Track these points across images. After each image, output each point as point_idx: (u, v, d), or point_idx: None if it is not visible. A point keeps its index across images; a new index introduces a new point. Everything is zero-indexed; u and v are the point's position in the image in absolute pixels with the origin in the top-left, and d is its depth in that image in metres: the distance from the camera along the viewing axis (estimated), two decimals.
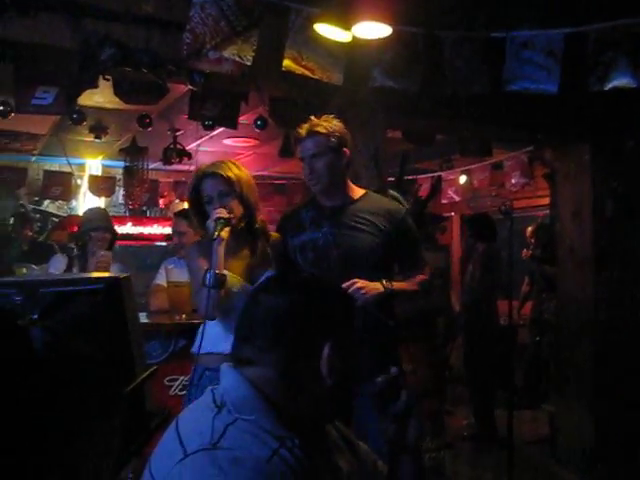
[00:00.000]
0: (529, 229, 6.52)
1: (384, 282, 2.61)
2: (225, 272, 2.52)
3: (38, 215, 8.24)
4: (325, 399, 1.32)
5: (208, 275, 2.46)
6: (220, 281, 2.47)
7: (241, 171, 2.72)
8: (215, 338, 2.51)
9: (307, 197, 2.96)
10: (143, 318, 3.59)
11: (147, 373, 1.52)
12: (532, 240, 6.41)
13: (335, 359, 1.30)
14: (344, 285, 2.46)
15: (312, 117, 2.78)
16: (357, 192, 2.86)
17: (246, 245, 2.72)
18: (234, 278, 2.58)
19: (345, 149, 2.77)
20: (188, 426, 1.27)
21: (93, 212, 4.26)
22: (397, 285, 2.69)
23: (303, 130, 2.74)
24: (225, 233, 2.53)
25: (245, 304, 1.41)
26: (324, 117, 2.77)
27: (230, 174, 2.65)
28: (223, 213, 2.57)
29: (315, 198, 2.87)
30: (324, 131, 2.72)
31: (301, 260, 2.78)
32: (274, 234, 2.86)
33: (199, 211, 2.74)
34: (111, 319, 1.47)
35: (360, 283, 2.52)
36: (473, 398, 5.83)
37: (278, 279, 1.55)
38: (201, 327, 2.65)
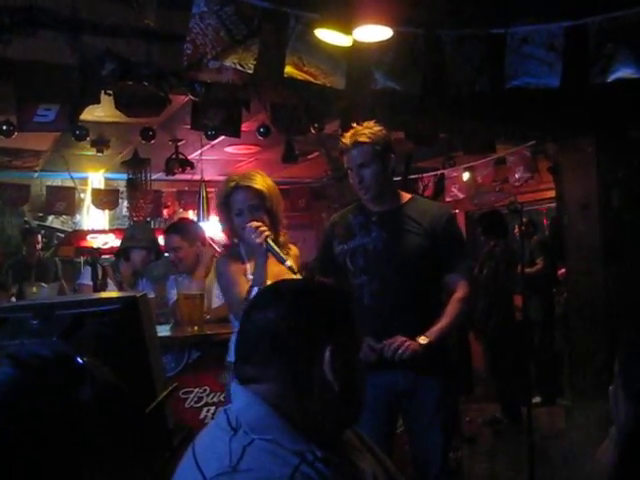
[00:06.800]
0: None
1: (423, 338, 2.57)
2: None
3: (43, 231, 8.21)
4: (337, 404, 1.29)
5: (253, 292, 2.50)
6: None
7: (269, 184, 2.74)
8: None
9: (354, 203, 2.95)
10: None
11: (168, 391, 1.51)
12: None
13: (338, 362, 1.27)
14: (386, 342, 2.52)
15: (355, 125, 2.76)
16: (404, 197, 2.86)
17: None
18: None
19: (390, 154, 2.77)
20: (205, 451, 1.25)
21: (135, 228, 4.55)
22: (437, 330, 2.62)
23: (347, 140, 2.73)
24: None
25: (240, 324, 1.38)
26: (366, 124, 2.75)
27: (262, 188, 2.68)
28: (262, 226, 2.60)
29: (362, 203, 2.87)
30: (368, 140, 2.69)
31: (351, 266, 2.77)
32: (293, 247, 2.89)
33: (229, 221, 2.77)
34: (130, 338, 1.47)
35: (398, 342, 2.52)
36: (498, 393, 5.83)
37: (267, 292, 1.49)
38: (233, 337, 2.68)
